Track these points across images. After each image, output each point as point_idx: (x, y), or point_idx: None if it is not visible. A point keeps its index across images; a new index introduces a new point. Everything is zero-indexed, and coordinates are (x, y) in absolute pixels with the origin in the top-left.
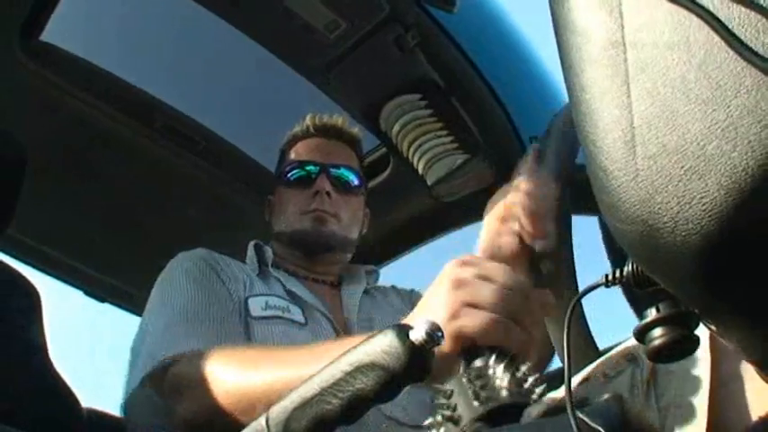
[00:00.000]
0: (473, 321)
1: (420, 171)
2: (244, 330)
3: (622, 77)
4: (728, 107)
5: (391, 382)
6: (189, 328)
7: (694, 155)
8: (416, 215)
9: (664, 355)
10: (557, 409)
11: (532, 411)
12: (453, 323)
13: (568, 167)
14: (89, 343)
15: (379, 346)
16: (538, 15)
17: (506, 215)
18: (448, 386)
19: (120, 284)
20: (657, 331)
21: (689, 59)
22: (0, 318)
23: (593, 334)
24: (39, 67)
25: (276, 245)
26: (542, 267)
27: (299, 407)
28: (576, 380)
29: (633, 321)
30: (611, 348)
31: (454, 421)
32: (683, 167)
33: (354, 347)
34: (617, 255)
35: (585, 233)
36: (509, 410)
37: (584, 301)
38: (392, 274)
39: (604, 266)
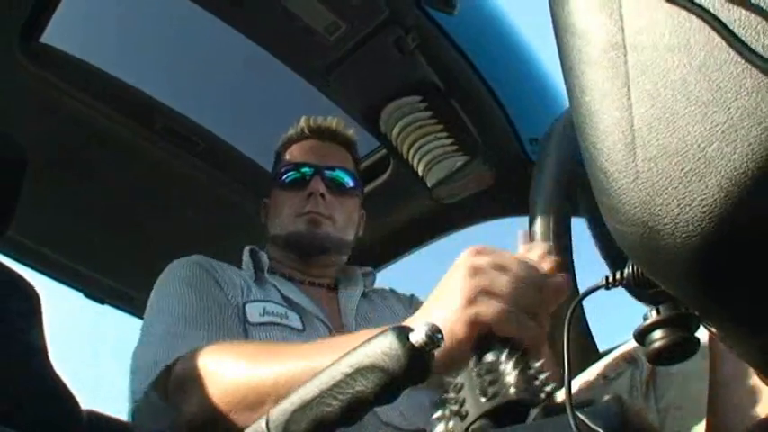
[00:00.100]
0: (488, 308)
1: (420, 173)
2: (242, 335)
3: (623, 79)
4: (729, 109)
5: (391, 384)
6: (189, 330)
7: (695, 157)
8: (416, 217)
9: (664, 357)
10: (557, 410)
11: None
12: (469, 309)
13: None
14: (89, 345)
15: (379, 348)
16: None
17: None
18: (458, 379)
19: (119, 286)
20: (658, 333)
21: (689, 62)
22: (0, 319)
23: (593, 335)
24: (39, 68)
25: (272, 248)
26: None
27: (298, 409)
28: (576, 382)
29: (633, 323)
30: (610, 350)
31: (461, 416)
32: (683, 169)
33: (354, 349)
34: (610, 255)
35: (585, 235)
36: (515, 408)
37: (584, 302)
38: (392, 275)
39: (603, 269)
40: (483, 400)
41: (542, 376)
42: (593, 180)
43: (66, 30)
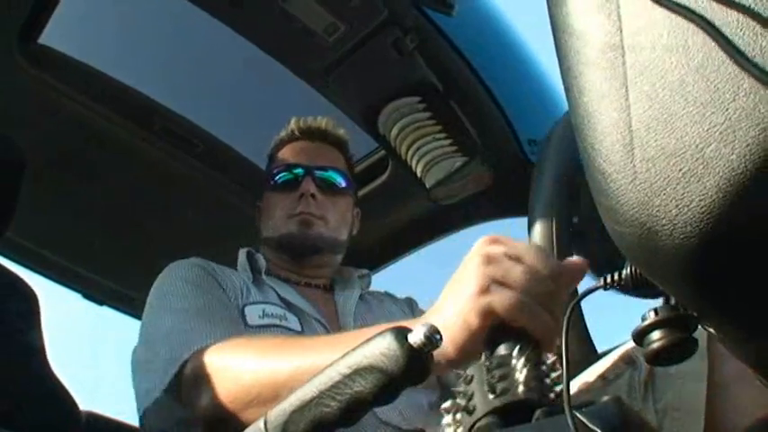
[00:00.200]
0: (502, 298)
1: (418, 174)
2: None
3: (621, 80)
4: (726, 110)
5: (389, 384)
6: (199, 324)
7: (693, 157)
8: (415, 218)
9: (662, 357)
10: (558, 410)
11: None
12: (483, 298)
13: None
14: (88, 346)
15: (378, 349)
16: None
17: None
18: (469, 371)
19: (118, 287)
20: (656, 334)
21: (687, 62)
22: None
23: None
24: (37, 70)
25: (266, 250)
26: None
27: (297, 410)
28: (575, 383)
29: (631, 324)
30: (609, 351)
31: (469, 411)
32: (681, 170)
33: (353, 350)
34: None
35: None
36: (522, 407)
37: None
38: (391, 276)
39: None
40: (491, 396)
41: (553, 375)
42: (592, 181)
43: (65, 31)
